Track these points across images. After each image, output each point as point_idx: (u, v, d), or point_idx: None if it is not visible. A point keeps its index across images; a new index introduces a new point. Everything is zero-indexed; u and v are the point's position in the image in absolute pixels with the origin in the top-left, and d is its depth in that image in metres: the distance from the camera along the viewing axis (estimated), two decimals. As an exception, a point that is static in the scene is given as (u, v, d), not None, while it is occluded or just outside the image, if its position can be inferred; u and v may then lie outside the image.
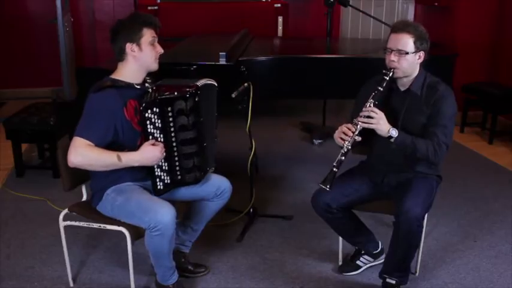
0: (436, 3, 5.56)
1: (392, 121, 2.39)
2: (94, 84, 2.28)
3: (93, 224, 2.40)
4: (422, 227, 2.35)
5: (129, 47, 2.28)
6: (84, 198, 2.54)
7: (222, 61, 3.20)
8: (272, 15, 5.70)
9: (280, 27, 5.71)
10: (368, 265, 2.75)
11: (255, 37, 4.45)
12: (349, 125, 2.37)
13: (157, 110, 2.22)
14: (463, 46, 5.08)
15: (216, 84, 2.53)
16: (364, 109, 2.36)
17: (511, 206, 3.51)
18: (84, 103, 2.25)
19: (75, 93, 4.68)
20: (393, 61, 2.38)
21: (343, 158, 2.36)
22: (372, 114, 2.33)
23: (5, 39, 5.98)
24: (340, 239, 2.72)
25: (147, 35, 2.29)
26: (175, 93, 2.25)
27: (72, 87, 5.00)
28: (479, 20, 5.27)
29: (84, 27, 6.02)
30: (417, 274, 2.69)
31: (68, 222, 2.45)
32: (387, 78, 2.38)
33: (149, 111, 2.22)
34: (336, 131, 2.42)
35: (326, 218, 2.53)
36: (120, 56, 2.31)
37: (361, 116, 2.35)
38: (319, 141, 4.77)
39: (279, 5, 5.71)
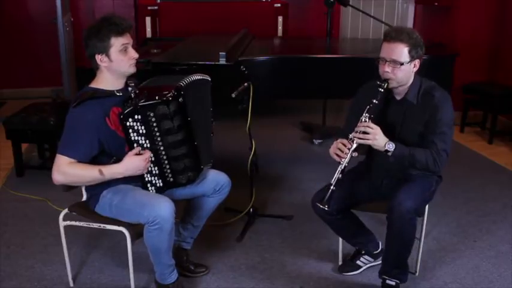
0: (436, 3, 5.56)
1: (390, 132, 2.34)
2: (75, 95, 2.23)
3: (93, 223, 2.40)
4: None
5: (99, 58, 2.20)
6: (84, 198, 2.53)
7: (222, 61, 3.20)
8: (272, 15, 5.70)
9: (280, 27, 5.71)
10: (368, 265, 2.75)
11: (255, 37, 4.44)
12: (345, 141, 2.31)
13: (139, 117, 2.17)
14: (463, 46, 5.07)
15: (208, 79, 2.48)
16: (359, 124, 2.28)
17: (511, 206, 3.51)
18: None
19: (75, 93, 4.67)
20: (387, 72, 2.30)
21: (340, 176, 2.29)
22: (368, 129, 2.26)
23: (5, 39, 5.97)
24: (340, 239, 2.72)
25: (116, 44, 2.18)
26: (156, 97, 2.16)
27: (72, 87, 4.99)
28: (479, 20, 5.27)
29: (84, 27, 6.00)
30: (417, 274, 2.69)
31: (68, 222, 2.46)
32: (382, 91, 2.30)
33: (130, 119, 2.17)
34: (332, 146, 2.37)
35: (326, 220, 2.52)
36: (93, 65, 2.25)
37: (356, 132, 2.28)
38: (319, 141, 4.76)
39: (279, 5, 5.71)
